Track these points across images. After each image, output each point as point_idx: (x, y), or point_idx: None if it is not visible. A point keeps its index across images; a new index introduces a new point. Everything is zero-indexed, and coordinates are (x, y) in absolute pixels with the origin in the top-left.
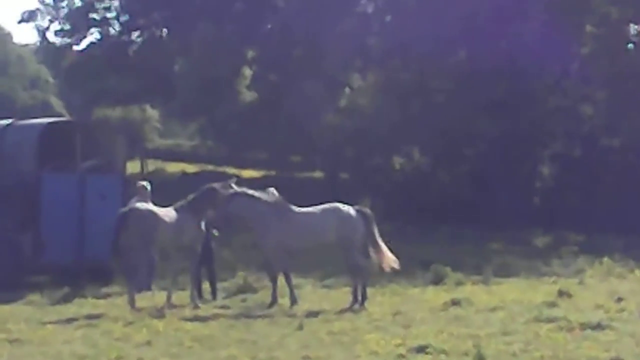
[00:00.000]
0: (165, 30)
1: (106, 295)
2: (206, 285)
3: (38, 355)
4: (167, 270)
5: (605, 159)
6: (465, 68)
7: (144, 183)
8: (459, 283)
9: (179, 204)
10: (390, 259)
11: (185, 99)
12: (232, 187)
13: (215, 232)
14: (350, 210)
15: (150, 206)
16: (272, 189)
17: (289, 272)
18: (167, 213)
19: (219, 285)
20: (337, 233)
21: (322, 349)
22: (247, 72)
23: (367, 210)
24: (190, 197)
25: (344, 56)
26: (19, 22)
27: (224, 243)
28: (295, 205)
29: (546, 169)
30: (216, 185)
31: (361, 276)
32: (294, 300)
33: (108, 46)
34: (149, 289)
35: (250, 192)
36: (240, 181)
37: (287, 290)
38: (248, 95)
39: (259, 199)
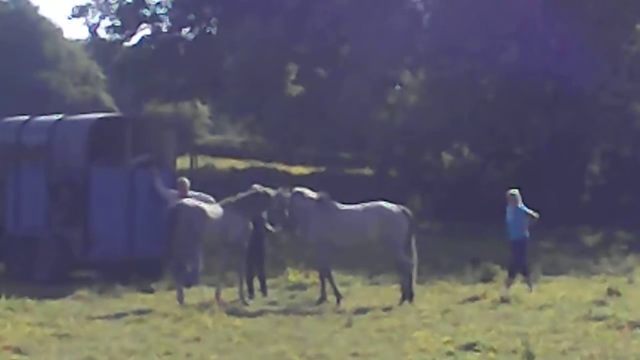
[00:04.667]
0: (215, 26)
1: (155, 291)
2: (256, 282)
3: (87, 350)
4: (215, 267)
5: None
6: (516, 66)
7: (184, 179)
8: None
9: (226, 200)
10: None
11: (234, 95)
12: (284, 196)
13: (271, 228)
14: (393, 208)
15: (197, 202)
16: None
17: (329, 269)
18: (214, 210)
19: (268, 282)
20: (379, 231)
21: (371, 346)
22: (293, 67)
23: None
24: (240, 195)
25: (393, 53)
26: (70, 17)
27: (273, 240)
28: (343, 202)
29: (596, 167)
30: (270, 191)
31: (408, 273)
32: (338, 297)
33: (159, 42)
34: (197, 283)
35: (300, 189)
36: (290, 178)
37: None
38: (294, 90)
39: (302, 194)
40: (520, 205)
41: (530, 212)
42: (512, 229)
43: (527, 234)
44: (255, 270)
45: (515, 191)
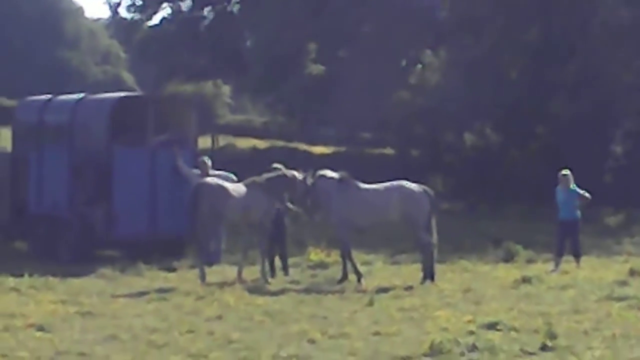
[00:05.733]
0: (236, 5)
1: (177, 269)
2: (277, 261)
3: (110, 328)
4: (238, 245)
5: None
6: (538, 45)
7: (204, 158)
8: (529, 260)
9: (250, 180)
10: None
11: (255, 74)
12: (307, 180)
13: (292, 206)
14: (414, 188)
15: (219, 181)
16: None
17: (350, 249)
18: (237, 189)
19: (289, 261)
20: (400, 210)
21: (393, 325)
22: (312, 46)
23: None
24: (265, 176)
25: (414, 32)
26: None
27: (295, 220)
28: (365, 181)
29: (618, 147)
30: (297, 175)
31: (429, 253)
32: (359, 276)
33: (180, 21)
34: (219, 262)
35: (322, 172)
36: (311, 157)
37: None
38: (314, 69)
39: (324, 176)
40: (573, 185)
41: (583, 192)
42: (563, 210)
43: (579, 214)
44: (276, 249)
45: (567, 172)
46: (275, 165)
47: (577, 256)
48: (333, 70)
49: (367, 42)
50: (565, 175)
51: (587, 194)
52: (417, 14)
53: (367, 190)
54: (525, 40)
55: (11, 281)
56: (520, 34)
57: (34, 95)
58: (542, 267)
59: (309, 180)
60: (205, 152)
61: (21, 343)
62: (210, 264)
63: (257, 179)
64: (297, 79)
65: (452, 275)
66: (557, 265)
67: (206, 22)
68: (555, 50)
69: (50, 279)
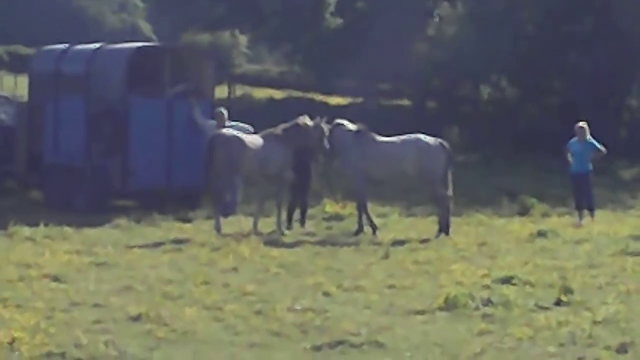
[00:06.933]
0: None
1: (193, 220)
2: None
3: (125, 278)
4: (254, 197)
5: None
6: None
7: (221, 109)
8: (545, 214)
9: (267, 132)
10: None
11: (273, 25)
12: (322, 125)
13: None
14: (431, 141)
15: (235, 132)
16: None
17: (366, 201)
18: (253, 140)
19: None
20: (416, 163)
21: (408, 278)
22: None
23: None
24: (281, 127)
25: None
26: None
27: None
28: (381, 133)
29: (634, 101)
30: (310, 122)
31: (445, 206)
32: (374, 228)
33: None
34: (234, 213)
35: (340, 121)
36: (327, 108)
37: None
38: (332, 22)
39: (342, 126)
40: (589, 138)
41: (599, 146)
42: (575, 162)
43: (590, 167)
44: (298, 201)
45: (584, 123)
46: (301, 118)
47: (590, 209)
48: (351, 21)
49: None
50: (582, 127)
51: (602, 148)
52: None
53: (383, 142)
54: None
55: (26, 231)
56: None
57: (51, 44)
58: (557, 221)
59: (325, 126)
60: (221, 102)
61: (36, 293)
62: (226, 215)
63: (273, 130)
64: (315, 30)
65: (467, 228)
66: (580, 217)
67: None
68: (571, 3)
69: (66, 229)
